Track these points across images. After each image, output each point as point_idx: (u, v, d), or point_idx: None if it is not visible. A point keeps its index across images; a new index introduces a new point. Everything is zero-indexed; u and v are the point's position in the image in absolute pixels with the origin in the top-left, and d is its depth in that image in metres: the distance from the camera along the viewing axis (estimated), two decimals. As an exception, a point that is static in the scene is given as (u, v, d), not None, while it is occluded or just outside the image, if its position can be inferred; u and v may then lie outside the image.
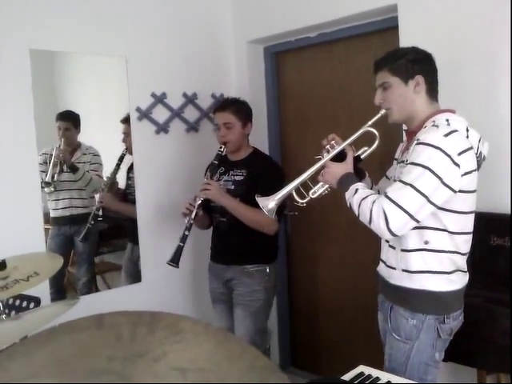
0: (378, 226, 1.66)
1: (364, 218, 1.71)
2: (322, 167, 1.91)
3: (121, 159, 2.93)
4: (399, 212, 1.63)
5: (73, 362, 0.62)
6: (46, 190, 2.70)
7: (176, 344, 0.65)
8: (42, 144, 2.65)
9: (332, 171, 1.87)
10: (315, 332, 3.33)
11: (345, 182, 1.82)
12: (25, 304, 2.17)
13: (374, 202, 1.68)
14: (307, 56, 3.21)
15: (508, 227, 2.11)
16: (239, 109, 2.65)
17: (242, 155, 2.69)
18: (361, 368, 1.66)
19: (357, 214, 1.74)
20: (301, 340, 3.45)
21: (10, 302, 2.19)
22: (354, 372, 1.64)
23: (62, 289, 2.81)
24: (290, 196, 1.99)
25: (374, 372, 1.64)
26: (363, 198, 1.72)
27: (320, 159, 1.94)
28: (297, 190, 1.96)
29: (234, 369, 0.62)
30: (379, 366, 1.74)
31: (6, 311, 1.88)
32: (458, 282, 1.77)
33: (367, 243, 2.90)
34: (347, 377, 1.61)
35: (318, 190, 1.96)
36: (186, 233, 2.49)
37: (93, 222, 2.82)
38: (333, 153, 1.92)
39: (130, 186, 2.99)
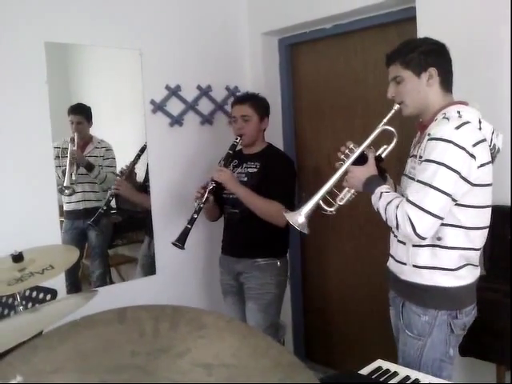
0: (405, 232, 1.63)
1: (391, 224, 1.69)
2: (346, 173, 1.89)
3: (142, 150, 2.92)
4: (424, 215, 1.60)
5: (96, 357, 0.61)
6: (66, 192, 2.70)
7: (199, 339, 0.64)
8: (57, 137, 2.65)
9: (355, 176, 1.84)
10: (330, 326, 3.32)
11: (370, 185, 1.79)
12: (41, 296, 2.18)
13: (397, 206, 1.65)
14: (322, 48, 3.17)
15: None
16: (257, 103, 2.68)
17: (256, 149, 2.71)
18: (379, 362, 1.65)
19: (384, 219, 1.72)
20: (315, 334, 3.44)
21: (27, 293, 2.20)
22: (371, 366, 1.62)
23: (76, 281, 2.82)
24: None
25: (392, 366, 1.63)
26: (388, 203, 1.69)
27: (341, 165, 1.91)
28: (323, 198, 1.94)
29: (260, 365, 0.61)
30: (394, 360, 1.72)
31: (23, 303, 1.89)
32: (467, 276, 1.74)
33: (382, 237, 2.86)
34: (365, 371, 1.60)
35: (345, 196, 1.94)
36: (195, 216, 2.50)
37: (105, 208, 2.81)
38: (353, 157, 1.89)
39: (149, 178, 2.98)
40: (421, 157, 1.68)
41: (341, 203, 1.95)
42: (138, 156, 2.92)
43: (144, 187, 2.99)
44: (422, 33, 2.37)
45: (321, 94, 3.20)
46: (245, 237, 2.67)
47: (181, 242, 2.48)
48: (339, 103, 3.10)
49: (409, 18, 2.56)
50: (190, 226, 2.50)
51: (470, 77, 1.87)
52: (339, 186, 1.93)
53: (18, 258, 1.78)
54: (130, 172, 2.90)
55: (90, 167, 2.80)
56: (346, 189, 1.93)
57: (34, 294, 2.20)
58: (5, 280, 1.69)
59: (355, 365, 1.65)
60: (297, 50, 3.32)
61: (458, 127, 1.60)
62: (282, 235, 2.67)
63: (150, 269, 3.01)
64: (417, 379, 1.54)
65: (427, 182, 1.61)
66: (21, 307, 1.85)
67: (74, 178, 2.72)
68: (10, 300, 2.19)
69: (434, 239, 1.70)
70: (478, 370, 2.26)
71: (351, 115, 3.02)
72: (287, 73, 3.34)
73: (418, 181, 1.64)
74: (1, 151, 2.43)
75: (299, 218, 1.93)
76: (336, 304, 3.27)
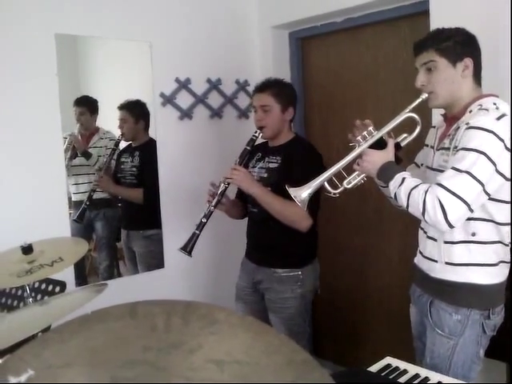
0: (435, 218, 1.53)
1: (415, 209, 1.59)
2: (359, 155, 1.77)
3: (116, 145, 2.92)
4: (457, 202, 1.52)
5: (107, 352, 0.61)
6: None
7: (211, 335, 0.63)
8: (67, 129, 2.67)
9: (371, 159, 1.73)
10: (337, 321, 3.31)
11: (387, 172, 1.70)
12: (50, 288, 2.18)
13: (426, 191, 1.55)
14: (333, 42, 3.15)
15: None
16: (280, 91, 2.38)
17: (280, 141, 2.43)
18: (387, 360, 1.64)
19: (405, 205, 1.61)
20: (323, 329, 3.43)
21: (36, 285, 2.21)
22: (380, 364, 1.62)
23: (83, 273, 2.83)
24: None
25: (401, 364, 1.62)
26: (413, 188, 1.59)
27: (355, 147, 1.81)
28: (329, 179, 1.83)
29: (272, 362, 0.60)
30: (402, 357, 1.70)
31: (33, 295, 1.90)
32: (501, 274, 1.71)
33: (392, 231, 2.86)
34: (374, 368, 1.59)
35: (354, 180, 1.84)
36: (204, 220, 2.28)
37: (88, 203, 2.80)
38: (371, 140, 1.77)
39: (122, 169, 2.97)
40: (455, 147, 1.61)
41: (347, 186, 1.84)
42: (113, 150, 2.91)
43: (117, 178, 2.98)
44: (434, 27, 2.33)
45: (331, 89, 3.18)
46: (264, 241, 2.44)
47: (187, 248, 2.26)
48: (350, 98, 3.08)
49: (421, 12, 2.53)
50: (198, 232, 2.27)
51: (484, 72, 1.83)
52: (348, 168, 1.84)
53: (27, 249, 1.78)
54: (106, 168, 2.88)
55: (86, 154, 2.81)
56: (356, 172, 1.83)
57: (44, 286, 2.20)
58: (14, 272, 1.70)
59: (363, 361, 1.64)
60: (307, 43, 3.30)
61: (498, 118, 1.55)
62: (306, 241, 2.39)
63: (134, 263, 3.00)
64: (426, 377, 1.53)
65: (465, 169, 1.53)
66: (30, 299, 1.85)
67: (66, 163, 2.70)
68: (20, 292, 2.20)
69: (468, 235, 1.66)
70: (487, 368, 2.24)
71: (362, 110, 2.99)
72: (297, 67, 3.32)
73: (453, 168, 1.56)
74: (11, 143, 2.43)
75: (303, 194, 1.82)
76: (344, 299, 3.25)
